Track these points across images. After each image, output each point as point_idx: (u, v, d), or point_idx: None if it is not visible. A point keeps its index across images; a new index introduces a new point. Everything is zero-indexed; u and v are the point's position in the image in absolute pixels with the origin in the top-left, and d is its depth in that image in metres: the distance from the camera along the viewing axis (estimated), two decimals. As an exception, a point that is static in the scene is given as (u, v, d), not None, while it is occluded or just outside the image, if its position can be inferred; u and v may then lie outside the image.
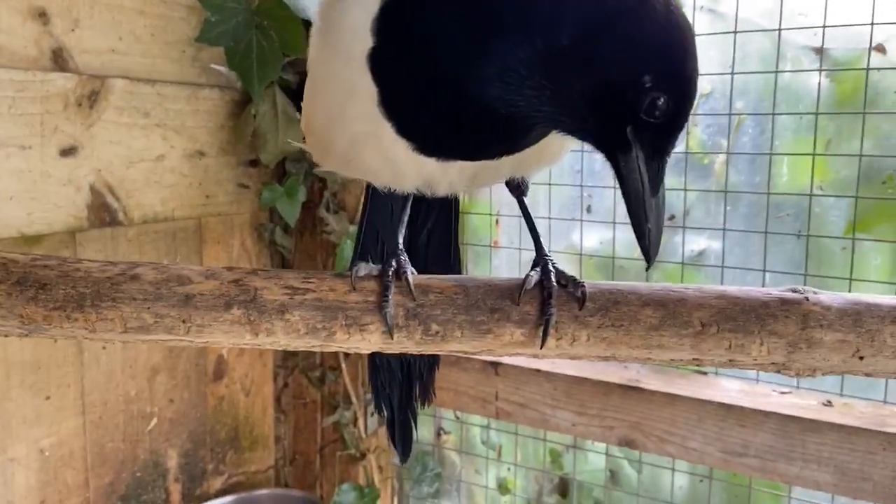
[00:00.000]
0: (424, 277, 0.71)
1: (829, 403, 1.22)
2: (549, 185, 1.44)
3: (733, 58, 1.25)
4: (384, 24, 0.64)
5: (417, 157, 0.69)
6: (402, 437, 0.97)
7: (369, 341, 0.70)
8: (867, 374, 0.70)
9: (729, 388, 1.29)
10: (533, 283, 0.70)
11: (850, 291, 1.07)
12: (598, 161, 1.41)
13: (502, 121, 0.64)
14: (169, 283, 0.69)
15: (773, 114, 1.24)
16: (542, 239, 0.80)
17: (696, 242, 1.36)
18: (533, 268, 0.72)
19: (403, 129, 0.67)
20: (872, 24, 1.13)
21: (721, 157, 1.33)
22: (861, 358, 0.68)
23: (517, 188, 0.85)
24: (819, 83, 1.21)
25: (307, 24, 1.39)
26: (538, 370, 1.38)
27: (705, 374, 1.35)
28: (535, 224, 0.83)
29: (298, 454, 1.74)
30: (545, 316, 0.68)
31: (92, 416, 1.36)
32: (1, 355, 1.22)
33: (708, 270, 1.35)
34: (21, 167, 1.21)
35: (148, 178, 1.40)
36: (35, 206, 1.24)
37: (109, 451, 1.39)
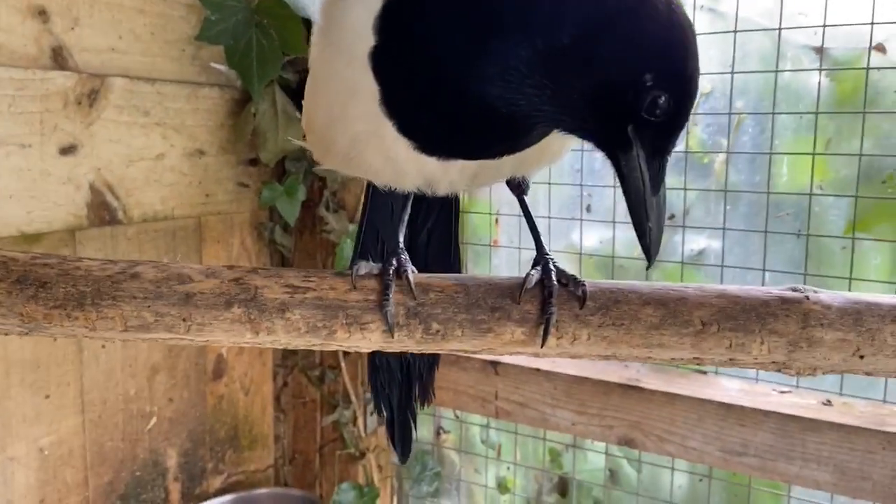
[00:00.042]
0: (425, 276, 0.71)
1: (828, 403, 1.22)
2: (549, 184, 1.44)
3: (733, 57, 1.25)
4: (386, 23, 0.64)
5: (418, 156, 0.69)
6: (401, 437, 0.97)
7: (370, 340, 0.70)
8: (867, 373, 0.70)
9: (728, 388, 1.30)
10: (534, 282, 0.70)
11: (849, 291, 1.07)
12: (597, 160, 1.41)
13: (503, 120, 0.64)
14: (169, 281, 0.69)
15: (773, 113, 1.24)
16: (542, 238, 0.80)
17: (696, 242, 1.36)
18: (534, 266, 0.72)
19: (405, 128, 0.67)
20: (872, 23, 1.13)
21: (721, 157, 1.33)
22: (861, 357, 0.69)
23: (518, 187, 0.85)
24: (819, 82, 1.21)
25: (307, 22, 1.39)
26: (538, 369, 1.38)
27: (705, 373, 1.35)
28: (536, 223, 0.83)
29: (298, 453, 1.74)
30: (546, 315, 0.68)
31: (91, 415, 1.36)
32: (1, 354, 1.22)
33: (708, 270, 1.35)
34: (21, 166, 1.21)
35: (148, 177, 1.40)
36: (35, 205, 1.24)
37: (109, 449, 1.39)
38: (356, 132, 0.71)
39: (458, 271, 0.99)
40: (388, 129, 0.67)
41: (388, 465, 1.67)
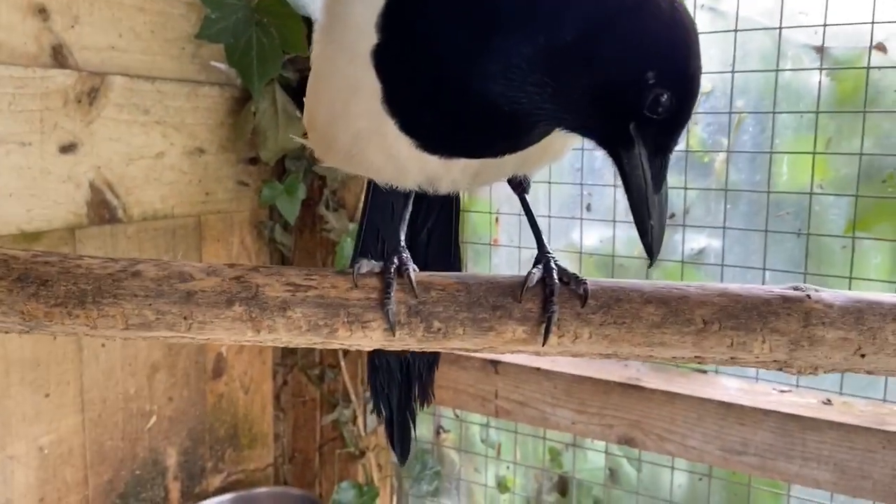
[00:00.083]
0: (426, 274, 0.71)
1: (828, 402, 1.22)
2: (549, 183, 1.44)
3: (734, 56, 1.25)
4: (388, 21, 0.64)
5: (420, 155, 0.69)
6: (400, 437, 0.97)
7: (371, 338, 0.70)
8: (869, 372, 0.70)
9: (728, 387, 1.30)
10: (535, 281, 0.70)
11: (849, 290, 1.07)
12: (598, 159, 1.41)
13: (505, 118, 0.64)
14: (170, 279, 0.69)
15: (774, 112, 1.24)
16: (543, 236, 0.80)
17: (696, 241, 1.36)
18: (535, 265, 0.72)
19: (407, 126, 0.67)
20: (873, 22, 1.13)
21: (721, 156, 1.33)
22: (863, 355, 0.69)
23: (519, 185, 0.85)
24: (819, 82, 1.21)
25: (307, 21, 1.39)
26: (538, 368, 1.38)
27: (705, 372, 1.35)
28: (537, 221, 0.83)
29: (297, 452, 1.74)
30: (547, 313, 0.68)
31: (91, 414, 1.36)
32: (0, 352, 1.22)
33: (708, 269, 1.35)
34: (21, 164, 1.21)
35: (147, 176, 1.40)
36: (35, 203, 1.23)
37: (108, 448, 1.39)
38: (358, 130, 0.71)
39: (459, 270, 0.99)
40: (390, 126, 0.67)
41: (387, 465, 1.67)
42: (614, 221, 1.38)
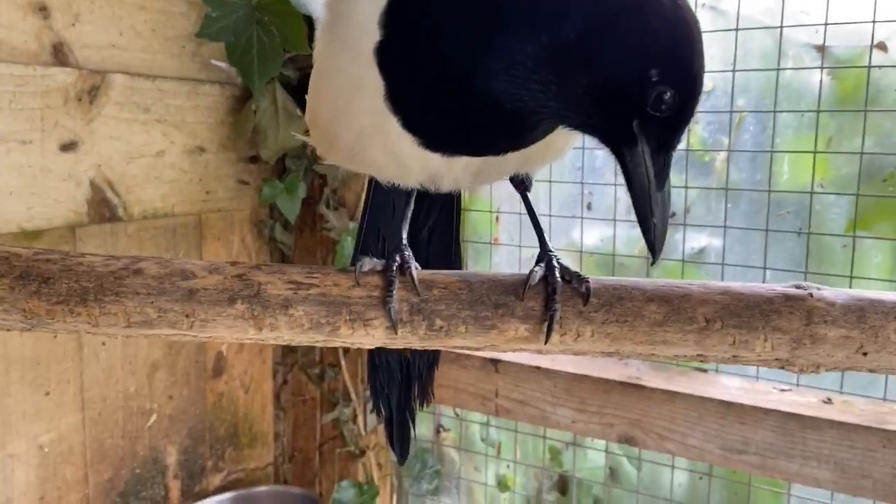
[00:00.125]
0: (428, 273, 0.71)
1: (828, 401, 1.22)
2: (550, 182, 1.43)
3: (735, 55, 1.25)
4: (392, 19, 0.64)
5: (423, 152, 0.69)
6: (400, 437, 0.97)
7: (373, 336, 0.70)
8: (870, 370, 0.70)
9: (729, 386, 1.30)
10: (537, 279, 0.70)
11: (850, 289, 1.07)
12: (599, 158, 1.41)
13: (508, 116, 0.64)
14: (172, 277, 0.69)
15: (775, 111, 1.24)
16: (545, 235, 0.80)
17: (697, 240, 1.36)
18: (537, 263, 0.72)
19: (410, 124, 0.67)
20: (874, 21, 1.13)
21: (722, 155, 1.33)
22: (865, 354, 0.69)
23: (521, 184, 0.85)
24: (820, 81, 1.21)
25: (308, 19, 1.39)
26: (538, 367, 1.38)
27: (705, 371, 1.35)
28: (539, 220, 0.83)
29: (297, 451, 1.74)
30: (549, 311, 0.68)
31: (91, 413, 1.35)
32: (1, 351, 1.21)
33: (708, 268, 1.35)
34: (21, 162, 1.21)
35: (148, 174, 1.39)
36: (35, 201, 1.23)
37: (109, 447, 1.39)
38: (361, 127, 0.71)
39: (459, 269, 0.99)
40: (393, 124, 0.67)
41: (387, 463, 1.67)
42: (615, 220, 1.37)
